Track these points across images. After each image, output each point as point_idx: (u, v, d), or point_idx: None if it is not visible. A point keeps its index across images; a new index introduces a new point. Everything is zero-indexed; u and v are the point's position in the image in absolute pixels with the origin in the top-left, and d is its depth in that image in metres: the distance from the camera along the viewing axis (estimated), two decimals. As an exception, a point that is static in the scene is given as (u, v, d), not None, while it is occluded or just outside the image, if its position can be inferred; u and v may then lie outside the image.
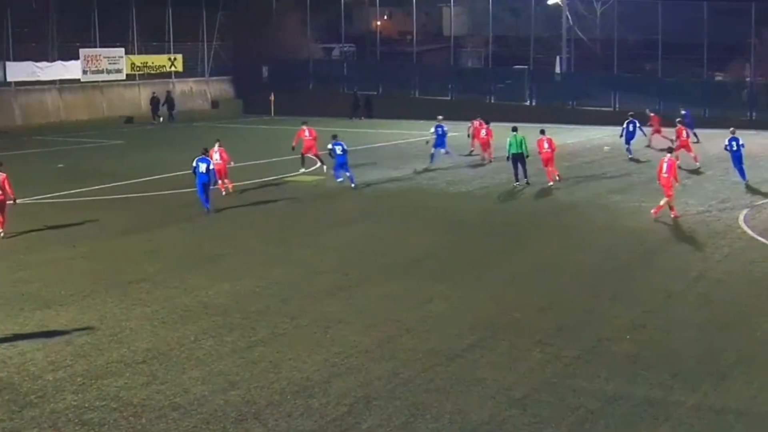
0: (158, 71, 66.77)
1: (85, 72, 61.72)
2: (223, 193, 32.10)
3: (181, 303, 19.01)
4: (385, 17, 79.74)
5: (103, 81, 63.71)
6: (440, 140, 39.80)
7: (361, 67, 71.00)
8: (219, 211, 29.38)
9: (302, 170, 36.98)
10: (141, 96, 64.21)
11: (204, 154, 29.65)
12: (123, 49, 64.04)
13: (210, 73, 70.69)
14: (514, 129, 34.43)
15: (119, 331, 17.18)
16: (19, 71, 58.31)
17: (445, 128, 40.19)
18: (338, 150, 33.46)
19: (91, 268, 22.17)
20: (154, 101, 62.94)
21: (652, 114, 46.89)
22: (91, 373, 15.04)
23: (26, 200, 31.31)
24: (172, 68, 67.44)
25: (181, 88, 68.93)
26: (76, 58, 61.16)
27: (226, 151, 32.59)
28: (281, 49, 69.54)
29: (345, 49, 73.84)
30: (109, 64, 62.98)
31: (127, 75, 64.50)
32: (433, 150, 39.71)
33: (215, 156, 31.61)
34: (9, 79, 58.14)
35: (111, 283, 20.57)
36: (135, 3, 64.28)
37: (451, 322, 17.68)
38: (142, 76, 66.01)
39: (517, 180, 34.08)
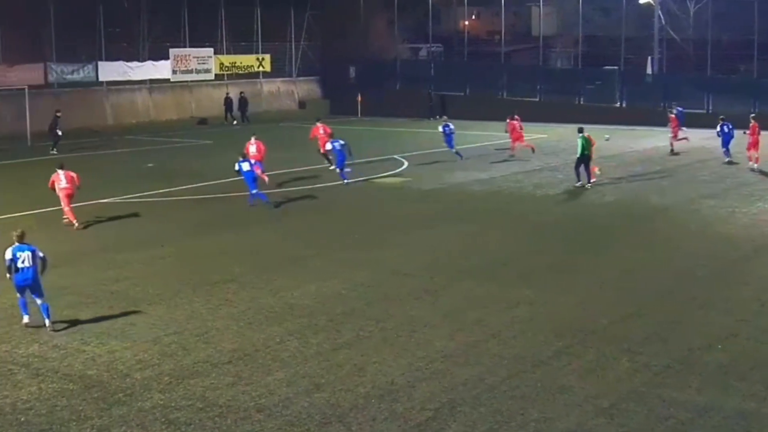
0: (246, 71, 67.39)
1: (174, 72, 62.56)
2: (266, 181, 32.92)
3: (267, 304, 19.09)
4: (473, 17, 79.41)
5: (192, 81, 64.54)
6: (449, 139, 41.47)
7: (448, 68, 70.59)
8: (283, 205, 29.56)
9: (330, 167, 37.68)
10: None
11: (242, 157, 30.95)
12: (212, 49, 64.79)
13: (297, 73, 71.10)
14: (580, 130, 34.27)
15: (205, 331, 17.31)
16: (110, 71, 59.30)
17: (452, 127, 41.84)
18: (337, 146, 34.94)
19: (179, 268, 22.41)
20: (227, 102, 62.91)
21: (671, 115, 45.75)
22: (177, 372, 15.17)
23: (116, 199, 31.90)
24: (260, 68, 68.03)
25: (268, 88, 69.52)
26: (166, 58, 62.04)
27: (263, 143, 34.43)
28: (368, 49, 69.70)
29: (432, 49, 73.62)
30: (198, 64, 63.75)
31: (215, 75, 65.23)
32: (451, 149, 41.41)
33: (251, 148, 33.52)
34: (101, 78, 59.13)
35: (198, 283, 20.75)
36: (224, 3, 64.97)
37: (537, 327, 17.47)
38: (230, 76, 66.64)
39: (589, 181, 33.94)
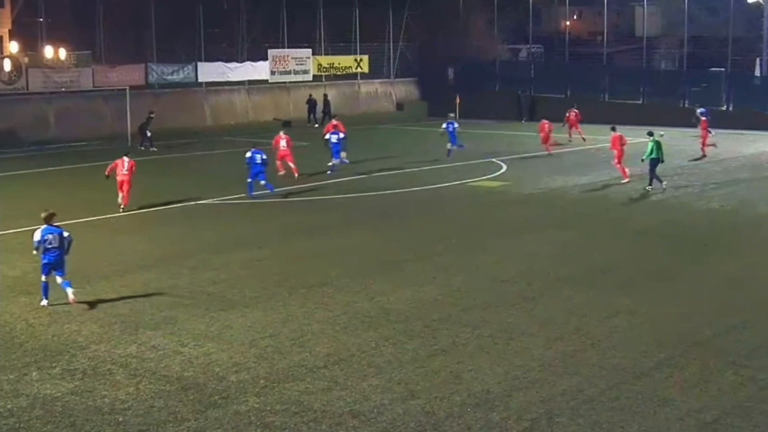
0: (344, 72, 67.53)
1: (273, 73, 62.98)
2: (296, 176, 35.81)
3: (363, 308, 19.01)
4: (575, 17, 78.44)
5: (290, 82, 64.89)
6: (452, 137, 42.24)
7: (549, 69, 69.66)
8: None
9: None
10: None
11: (254, 147, 32.84)
12: (310, 50, 65.08)
13: (395, 74, 71.03)
14: (650, 134, 33.96)
15: (301, 335, 17.28)
16: (209, 72, 59.92)
17: (455, 125, 42.69)
18: (334, 139, 37.51)
19: (275, 270, 22.43)
20: (311, 103, 62.49)
21: (703, 118, 44.16)
22: (273, 376, 15.16)
23: (214, 200, 32.26)
24: (358, 69, 68.12)
25: (366, 89, 69.60)
26: (265, 58, 62.52)
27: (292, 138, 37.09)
28: (467, 49, 69.20)
29: (532, 50, 72.84)
30: (297, 64, 64.07)
31: (313, 76, 65.48)
32: (449, 146, 42.19)
33: (282, 143, 36.40)
34: (200, 79, 59.78)
35: (294, 286, 20.76)
36: (323, 3, 65.23)
37: (637, 337, 17.06)
38: (328, 77, 66.82)
39: (650, 184, 33.59)
